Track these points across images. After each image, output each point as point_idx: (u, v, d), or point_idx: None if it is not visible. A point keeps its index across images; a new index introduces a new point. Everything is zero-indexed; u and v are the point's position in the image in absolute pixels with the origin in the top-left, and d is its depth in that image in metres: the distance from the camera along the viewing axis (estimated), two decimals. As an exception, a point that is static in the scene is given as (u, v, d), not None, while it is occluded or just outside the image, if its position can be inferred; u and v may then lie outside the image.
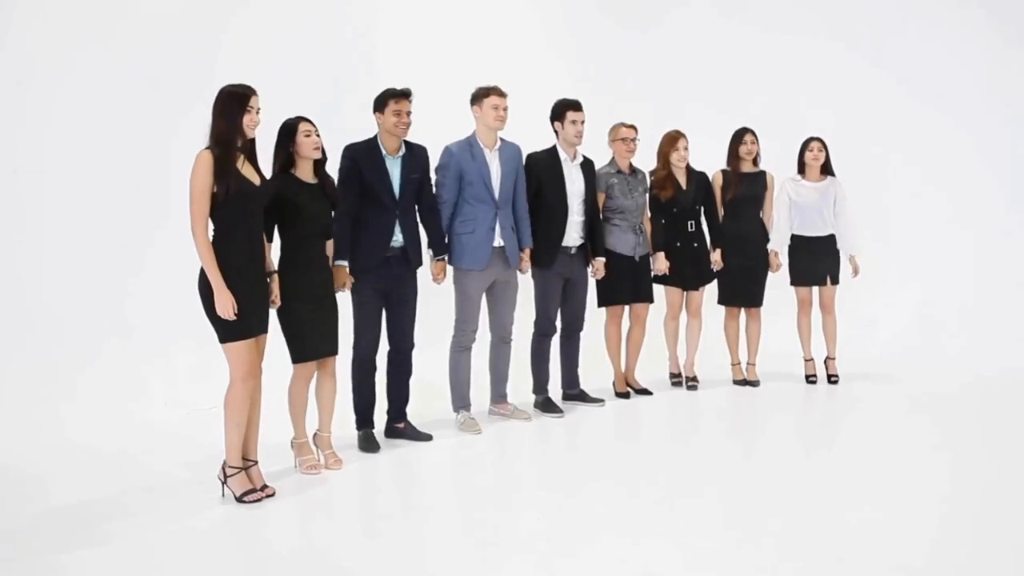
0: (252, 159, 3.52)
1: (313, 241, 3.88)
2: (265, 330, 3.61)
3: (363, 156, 4.21)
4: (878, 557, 2.89)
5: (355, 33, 5.85)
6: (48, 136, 4.91)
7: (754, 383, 5.66)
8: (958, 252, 6.85)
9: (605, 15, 7.13)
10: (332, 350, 3.99)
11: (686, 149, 5.40)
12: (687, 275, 5.43)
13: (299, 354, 3.89)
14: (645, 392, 5.46)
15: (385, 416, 4.50)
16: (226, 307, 3.37)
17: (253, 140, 3.51)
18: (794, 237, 5.68)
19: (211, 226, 3.41)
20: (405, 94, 4.23)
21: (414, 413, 4.56)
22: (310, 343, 3.88)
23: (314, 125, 3.87)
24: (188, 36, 5.22)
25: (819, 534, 3.13)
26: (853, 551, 2.95)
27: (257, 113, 3.46)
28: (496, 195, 4.57)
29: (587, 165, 5.02)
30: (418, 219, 4.39)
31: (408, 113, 4.23)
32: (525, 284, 4.88)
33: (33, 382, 4.62)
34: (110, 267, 5.00)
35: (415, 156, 4.33)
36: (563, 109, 4.88)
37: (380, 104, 4.24)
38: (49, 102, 4.91)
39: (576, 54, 6.82)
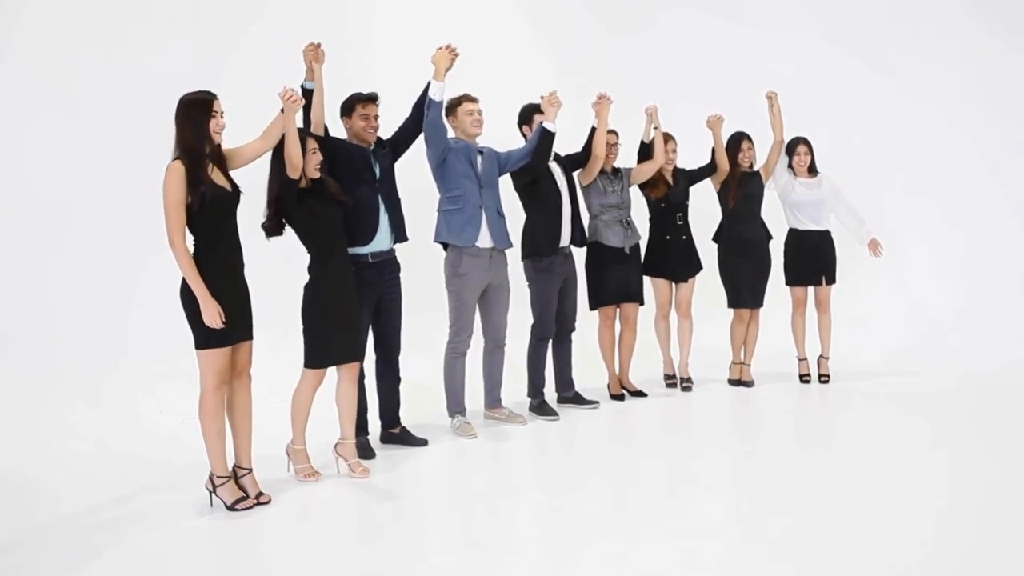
0: (221, 165, 3.49)
1: (331, 246, 3.86)
2: (249, 337, 3.59)
3: (341, 143, 4.22)
4: (875, 556, 2.89)
5: (350, 41, 5.84)
6: (54, 144, 4.92)
7: (748, 383, 5.68)
8: (951, 251, 6.87)
9: (596, 21, 7.15)
10: (352, 357, 3.95)
11: (674, 151, 5.47)
12: (676, 267, 5.48)
13: (312, 360, 3.88)
14: (640, 394, 5.46)
15: (378, 422, 4.48)
16: (213, 317, 3.35)
17: (219, 146, 3.48)
18: (792, 232, 5.71)
19: (190, 237, 3.39)
20: (372, 98, 4.24)
21: (409, 418, 4.55)
22: (327, 351, 3.86)
23: (317, 143, 3.85)
24: (185, 44, 5.24)
25: (816, 534, 3.12)
26: (850, 550, 2.95)
27: (222, 116, 3.44)
28: (479, 171, 4.58)
29: (559, 159, 5.06)
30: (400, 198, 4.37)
31: (376, 117, 4.24)
32: (514, 287, 4.86)
33: (33, 390, 4.60)
34: (110, 276, 4.99)
35: (381, 143, 4.36)
36: (531, 113, 4.94)
37: (347, 109, 4.25)
38: (57, 112, 4.94)
39: (564, 59, 6.82)
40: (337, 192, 3.92)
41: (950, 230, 6.89)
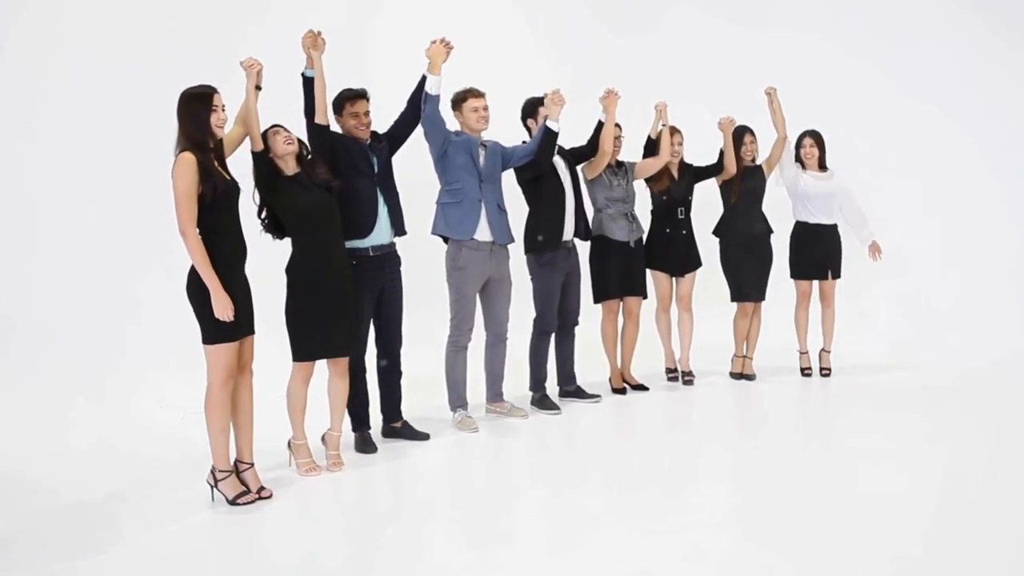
0: (220, 159, 3.49)
1: (315, 235, 3.81)
2: (252, 331, 3.59)
3: (340, 136, 4.20)
4: (876, 549, 2.90)
5: (352, 37, 5.82)
6: (56, 141, 4.92)
7: (750, 377, 5.67)
8: (951, 248, 6.87)
9: (599, 22, 7.15)
10: (339, 352, 3.93)
11: (680, 144, 5.46)
12: (674, 261, 5.47)
13: (298, 352, 3.87)
14: (641, 388, 5.46)
15: (380, 416, 4.48)
16: (225, 310, 3.34)
17: (220, 141, 3.48)
18: (799, 224, 5.70)
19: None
20: (361, 94, 4.21)
21: (410, 412, 4.55)
22: (311, 342, 3.84)
23: (282, 126, 3.81)
24: (187, 42, 5.23)
25: (818, 527, 3.13)
26: (851, 544, 2.95)
27: (223, 111, 3.44)
28: (480, 165, 4.57)
29: (564, 153, 5.04)
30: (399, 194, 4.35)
31: (366, 113, 4.21)
32: (517, 281, 4.86)
33: (34, 387, 4.61)
34: (111, 273, 4.99)
35: (378, 138, 4.34)
36: (535, 107, 4.92)
37: (337, 107, 4.23)
38: (58, 109, 4.93)
39: (568, 58, 6.80)
40: (326, 175, 3.85)
41: (950, 228, 6.90)
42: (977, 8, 6.93)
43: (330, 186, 3.88)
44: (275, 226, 3.86)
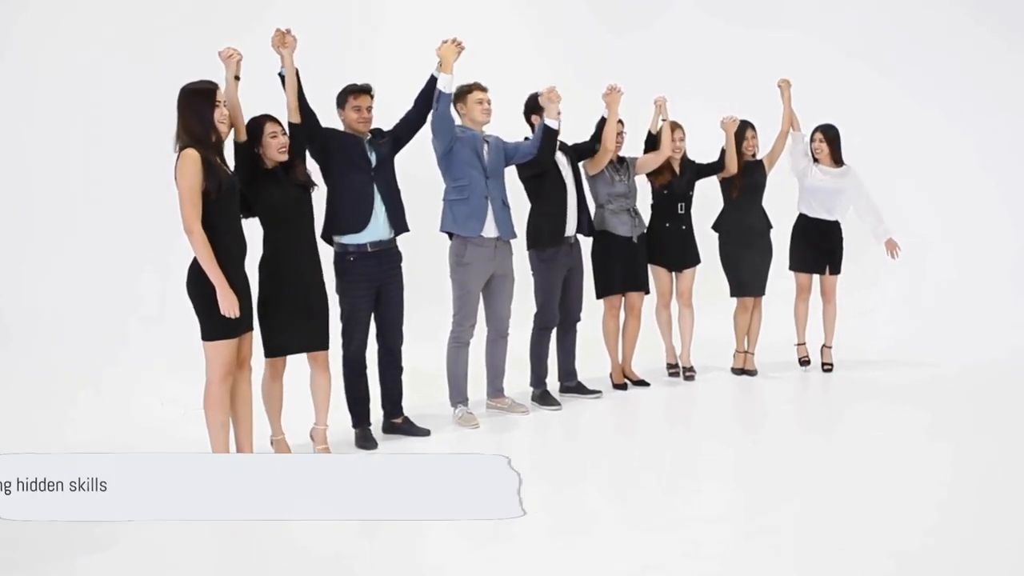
0: (221, 155, 3.48)
1: (284, 231, 3.78)
2: (251, 327, 3.60)
3: (334, 132, 4.19)
4: (876, 545, 2.89)
5: (355, 35, 5.82)
6: (56, 138, 4.92)
7: (752, 372, 5.67)
8: (951, 245, 6.88)
9: (599, 21, 7.15)
10: (311, 347, 3.91)
11: (682, 140, 5.45)
12: (671, 255, 5.46)
13: (268, 349, 3.85)
14: (642, 383, 5.45)
15: (381, 413, 4.47)
16: (232, 307, 3.34)
17: (220, 137, 3.47)
18: (801, 217, 5.70)
19: None
20: (365, 89, 4.20)
21: (411, 408, 4.54)
22: (280, 338, 3.81)
23: (280, 124, 3.79)
24: (189, 40, 5.21)
25: (818, 523, 3.13)
26: (852, 539, 2.95)
27: (225, 106, 3.44)
28: (485, 161, 4.56)
29: (565, 148, 5.03)
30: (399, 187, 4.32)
31: (369, 108, 4.20)
32: (518, 277, 4.85)
33: (33, 383, 4.61)
34: (111, 269, 4.99)
35: (380, 134, 4.32)
36: (538, 102, 4.88)
37: (340, 101, 4.22)
38: (58, 105, 4.94)
39: (568, 55, 6.80)
40: (301, 176, 3.84)
41: (951, 226, 6.91)
42: (977, 8, 6.93)
43: (307, 186, 3.86)
44: (245, 207, 3.78)
